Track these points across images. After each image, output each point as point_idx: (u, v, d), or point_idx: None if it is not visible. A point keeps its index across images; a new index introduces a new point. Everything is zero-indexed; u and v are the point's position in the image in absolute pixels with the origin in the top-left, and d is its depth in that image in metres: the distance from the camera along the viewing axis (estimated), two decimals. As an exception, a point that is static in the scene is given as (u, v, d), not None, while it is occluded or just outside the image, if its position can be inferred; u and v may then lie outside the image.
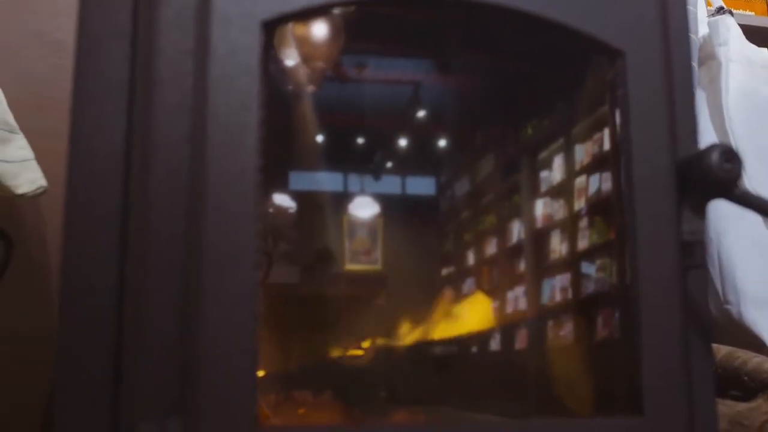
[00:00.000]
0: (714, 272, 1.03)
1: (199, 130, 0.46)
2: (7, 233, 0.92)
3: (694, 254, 0.53)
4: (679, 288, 0.52)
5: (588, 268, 0.70)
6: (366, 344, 0.82)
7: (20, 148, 0.90)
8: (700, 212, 0.53)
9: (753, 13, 1.46)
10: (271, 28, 0.47)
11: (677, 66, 0.56)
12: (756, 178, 1.04)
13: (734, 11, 1.17)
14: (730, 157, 0.51)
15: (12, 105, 0.93)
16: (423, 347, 0.82)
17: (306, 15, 0.49)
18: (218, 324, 0.44)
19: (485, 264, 0.90)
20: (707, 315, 0.54)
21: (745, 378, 0.77)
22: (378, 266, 0.93)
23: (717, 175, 0.51)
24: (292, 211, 0.83)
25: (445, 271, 0.94)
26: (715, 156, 0.51)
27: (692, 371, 0.52)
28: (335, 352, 0.79)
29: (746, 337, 0.98)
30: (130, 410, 0.44)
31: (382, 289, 0.91)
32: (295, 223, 0.83)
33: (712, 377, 0.53)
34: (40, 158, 0.92)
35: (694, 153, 0.53)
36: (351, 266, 0.93)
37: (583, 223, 0.72)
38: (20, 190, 0.88)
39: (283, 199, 0.83)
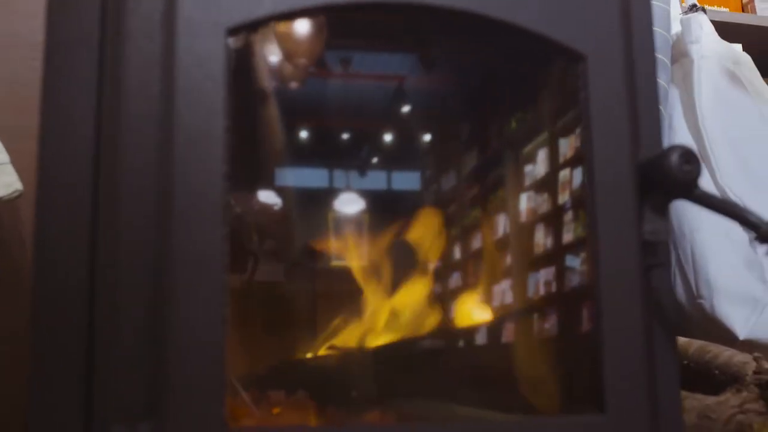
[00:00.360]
0: (687, 267, 1.04)
1: (166, 136, 0.46)
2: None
3: (656, 253, 0.54)
4: (641, 286, 0.53)
5: (572, 261, 0.71)
6: (344, 341, 0.82)
7: (-4, 152, 0.90)
8: (662, 212, 0.54)
9: (727, 10, 1.47)
10: (236, 35, 0.48)
11: (640, 68, 0.57)
12: (728, 174, 1.05)
13: (708, 8, 1.18)
14: (690, 158, 0.52)
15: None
16: (401, 343, 0.83)
17: (270, 22, 0.50)
18: (188, 326, 0.45)
19: (471, 258, 0.90)
20: (671, 313, 0.55)
21: (716, 372, 0.79)
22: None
23: (677, 177, 0.52)
24: (277, 208, 0.83)
25: (431, 266, 0.94)
26: (674, 158, 0.52)
27: (656, 369, 0.53)
28: (312, 351, 0.80)
29: (719, 332, 0.99)
30: (102, 411, 0.45)
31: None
32: (281, 221, 0.83)
33: (676, 374, 0.54)
34: (19, 159, 0.92)
35: (655, 154, 0.54)
36: (337, 263, 0.93)
37: (568, 216, 0.72)
38: (-4, 194, 0.88)
39: (268, 197, 0.83)
